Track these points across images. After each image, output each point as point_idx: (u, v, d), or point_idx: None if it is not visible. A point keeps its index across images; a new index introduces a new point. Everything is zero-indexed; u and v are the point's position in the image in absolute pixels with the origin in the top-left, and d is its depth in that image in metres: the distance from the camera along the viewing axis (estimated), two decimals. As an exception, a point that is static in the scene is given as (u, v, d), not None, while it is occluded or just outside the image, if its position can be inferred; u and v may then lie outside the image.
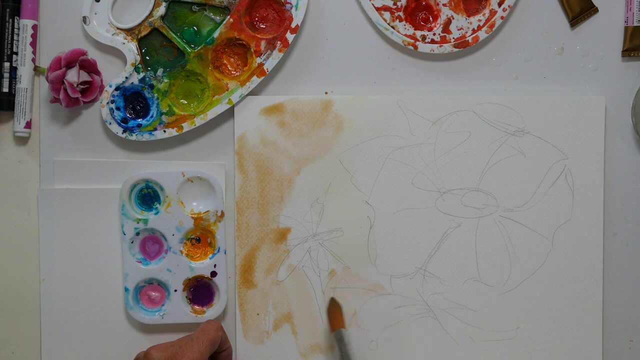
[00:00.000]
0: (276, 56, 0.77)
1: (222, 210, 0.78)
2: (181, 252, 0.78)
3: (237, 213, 0.78)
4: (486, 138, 0.79)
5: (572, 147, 0.79)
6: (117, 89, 0.77)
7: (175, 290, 0.78)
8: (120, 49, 0.77)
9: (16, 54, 0.78)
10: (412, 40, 0.78)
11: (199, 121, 0.77)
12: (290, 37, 0.77)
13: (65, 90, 0.75)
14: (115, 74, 0.78)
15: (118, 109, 0.77)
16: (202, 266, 0.78)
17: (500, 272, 0.79)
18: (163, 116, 0.78)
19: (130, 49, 0.77)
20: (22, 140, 0.79)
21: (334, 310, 0.76)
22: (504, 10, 0.78)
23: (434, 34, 0.78)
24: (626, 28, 0.79)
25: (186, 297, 0.79)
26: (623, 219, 0.80)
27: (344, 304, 0.79)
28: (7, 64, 0.78)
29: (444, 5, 0.78)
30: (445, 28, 0.78)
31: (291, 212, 0.79)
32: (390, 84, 0.79)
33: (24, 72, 0.77)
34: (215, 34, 0.77)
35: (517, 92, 0.79)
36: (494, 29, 0.78)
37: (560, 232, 0.79)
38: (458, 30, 0.78)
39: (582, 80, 0.80)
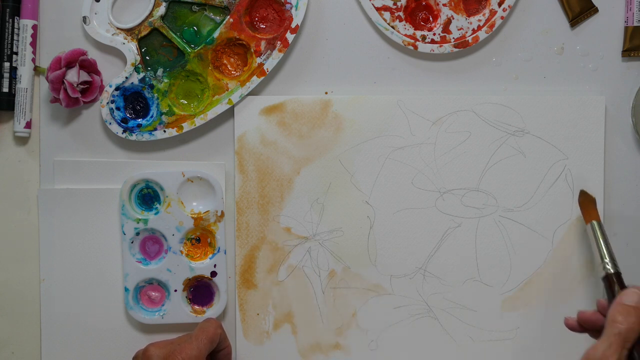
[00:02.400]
0: (276, 56, 0.77)
1: (222, 210, 0.78)
2: (181, 252, 0.78)
3: (237, 213, 0.78)
4: (486, 138, 0.79)
5: (572, 147, 0.79)
6: (117, 89, 0.77)
7: (175, 290, 0.78)
8: (120, 49, 0.77)
9: (16, 54, 0.78)
10: (412, 40, 0.78)
11: (199, 121, 0.77)
12: (290, 37, 0.77)
13: (65, 90, 0.75)
14: (115, 74, 0.78)
15: (118, 109, 0.77)
16: (202, 266, 0.78)
17: (500, 272, 0.79)
18: (163, 116, 0.78)
19: (130, 49, 0.77)
20: (22, 140, 0.79)
21: (586, 201, 0.76)
22: (504, 10, 0.78)
23: (434, 34, 0.78)
24: (626, 28, 0.79)
25: (186, 297, 0.79)
26: (623, 219, 0.80)
27: (344, 303, 0.79)
28: (7, 64, 0.78)
29: (444, 5, 0.78)
30: (445, 28, 0.78)
31: (291, 212, 0.79)
32: (390, 84, 0.79)
33: (24, 72, 0.77)
34: (215, 34, 0.77)
35: (517, 92, 0.79)
36: (494, 29, 0.78)
37: (560, 232, 0.79)
38: (458, 30, 0.78)
39: (582, 80, 0.80)
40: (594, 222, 0.73)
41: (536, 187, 0.79)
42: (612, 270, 0.69)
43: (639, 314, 0.65)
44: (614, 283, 0.69)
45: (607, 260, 0.70)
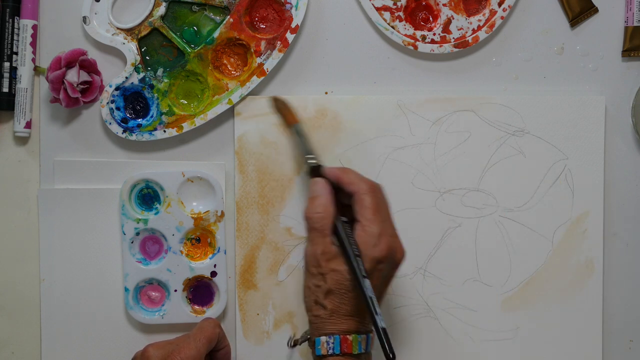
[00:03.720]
0: (276, 56, 0.77)
1: (222, 210, 0.78)
2: (181, 252, 0.78)
3: (237, 213, 0.78)
4: (486, 138, 0.79)
5: (572, 147, 0.79)
6: (117, 89, 0.77)
7: (175, 290, 0.78)
8: (120, 49, 0.77)
9: (16, 54, 0.78)
10: (412, 40, 0.78)
11: (199, 121, 0.77)
12: (290, 37, 0.77)
13: (65, 90, 0.75)
14: (115, 74, 0.78)
15: (118, 109, 0.77)
16: (202, 266, 0.78)
17: (500, 272, 0.79)
18: (163, 116, 0.78)
19: (130, 49, 0.77)
20: (22, 140, 0.79)
21: (283, 107, 0.77)
22: (504, 10, 0.78)
23: (434, 34, 0.78)
24: (626, 28, 0.79)
25: (186, 297, 0.79)
26: (623, 219, 0.80)
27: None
28: (7, 64, 0.78)
29: (444, 5, 0.78)
30: (445, 28, 0.78)
31: (291, 212, 0.78)
32: (390, 84, 0.79)
33: (24, 72, 0.77)
34: (215, 34, 0.77)
35: (517, 92, 0.79)
36: (494, 29, 0.78)
37: (560, 232, 0.79)
38: (458, 30, 0.78)
39: (582, 80, 0.80)
40: (296, 125, 0.75)
41: (536, 187, 0.79)
42: (315, 164, 0.71)
43: (322, 201, 0.67)
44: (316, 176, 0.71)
45: (310, 155, 0.72)
